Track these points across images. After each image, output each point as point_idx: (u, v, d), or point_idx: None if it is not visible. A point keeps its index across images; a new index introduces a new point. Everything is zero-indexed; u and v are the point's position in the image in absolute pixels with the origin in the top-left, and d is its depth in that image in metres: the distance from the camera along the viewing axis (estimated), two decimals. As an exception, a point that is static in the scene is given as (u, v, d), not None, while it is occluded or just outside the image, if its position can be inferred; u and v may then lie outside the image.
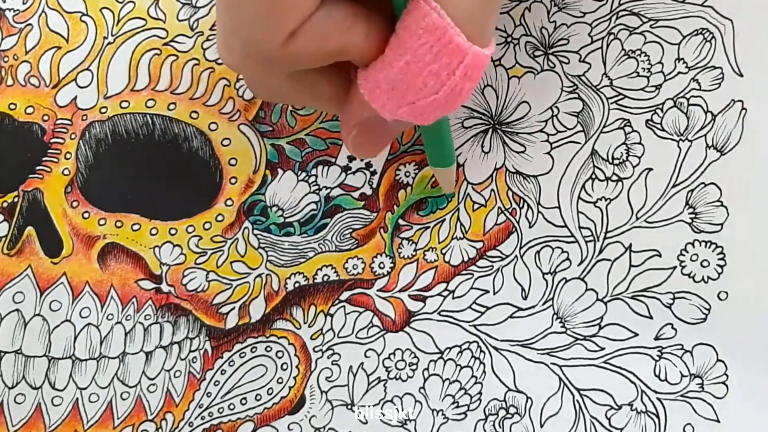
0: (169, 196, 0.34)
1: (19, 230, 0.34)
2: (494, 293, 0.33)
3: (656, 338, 0.32)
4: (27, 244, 0.34)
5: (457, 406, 0.33)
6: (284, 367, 0.33)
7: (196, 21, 0.34)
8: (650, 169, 0.33)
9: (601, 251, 0.33)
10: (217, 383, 0.33)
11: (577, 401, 0.32)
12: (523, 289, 0.33)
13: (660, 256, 0.33)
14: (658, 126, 0.33)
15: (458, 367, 0.33)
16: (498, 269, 0.33)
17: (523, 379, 0.33)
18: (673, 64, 0.33)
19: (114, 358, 0.33)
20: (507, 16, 0.33)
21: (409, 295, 0.33)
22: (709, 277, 0.32)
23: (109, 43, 0.34)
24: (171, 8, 0.34)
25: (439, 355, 0.33)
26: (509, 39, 0.33)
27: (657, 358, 0.32)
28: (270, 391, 0.33)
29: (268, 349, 0.33)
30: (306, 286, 0.34)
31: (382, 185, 0.34)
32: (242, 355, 0.33)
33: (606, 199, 0.33)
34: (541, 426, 0.32)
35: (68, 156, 0.34)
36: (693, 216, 0.32)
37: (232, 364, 0.33)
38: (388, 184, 0.34)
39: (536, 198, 0.33)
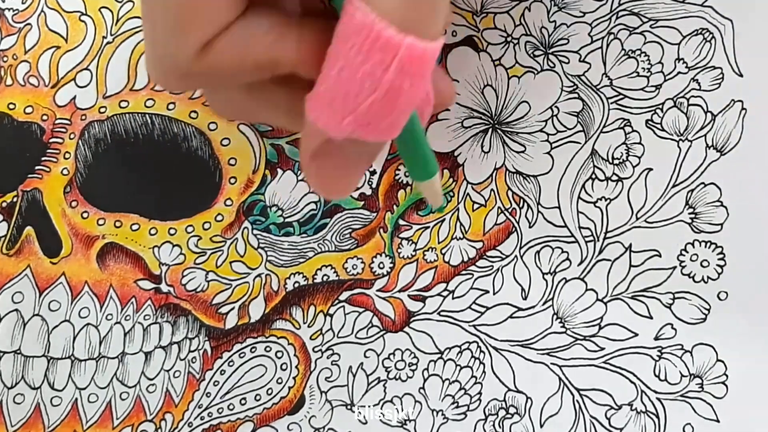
0: (168, 196, 0.34)
1: (18, 230, 0.34)
2: (494, 293, 0.33)
3: (656, 338, 0.32)
4: (26, 244, 0.33)
5: (457, 407, 0.33)
6: (284, 367, 0.33)
7: (196, 20, 0.34)
8: (650, 169, 0.33)
9: (601, 251, 0.33)
10: (216, 383, 0.33)
11: (577, 401, 0.32)
12: (523, 289, 0.33)
13: (660, 256, 0.33)
14: (658, 126, 0.33)
15: (458, 367, 0.33)
16: (498, 269, 0.33)
17: (523, 379, 0.33)
18: (673, 64, 0.33)
19: (113, 358, 0.33)
20: (507, 15, 0.33)
21: (408, 295, 0.33)
22: (709, 277, 0.32)
23: (108, 43, 0.34)
24: (170, 8, 0.34)
25: (439, 356, 0.33)
26: (509, 39, 0.33)
27: (657, 358, 0.32)
28: (269, 392, 0.33)
29: (268, 349, 0.33)
30: (305, 286, 0.34)
31: (382, 185, 0.34)
32: (242, 355, 0.33)
33: (606, 199, 0.33)
34: (541, 426, 0.32)
35: (67, 156, 0.34)
36: (693, 216, 0.32)
37: (231, 364, 0.33)
38: (388, 184, 0.34)
39: (536, 198, 0.33)
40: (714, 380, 0.32)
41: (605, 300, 0.33)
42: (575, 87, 0.33)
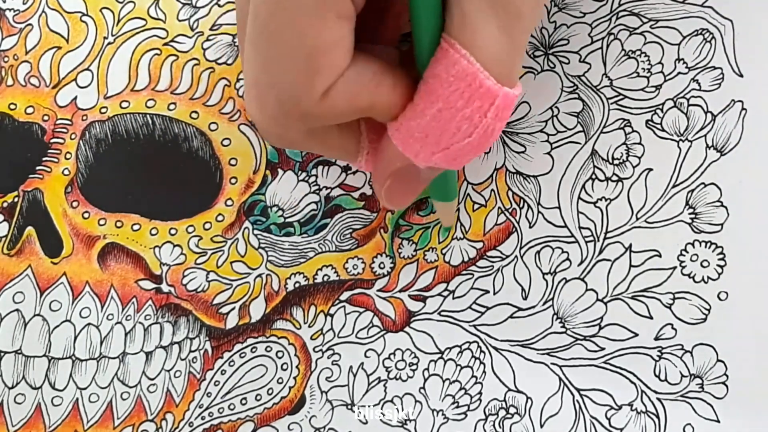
0: (169, 196, 0.34)
1: (19, 230, 0.34)
2: (494, 293, 0.33)
3: (656, 338, 0.32)
4: (27, 244, 0.34)
5: (457, 406, 0.33)
6: (284, 367, 0.33)
7: (196, 21, 0.34)
8: (650, 170, 0.33)
9: (601, 251, 0.33)
10: (217, 383, 0.33)
11: (577, 401, 0.32)
12: (523, 290, 0.33)
13: (660, 256, 0.33)
14: (658, 126, 0.33)
15: (458, 367, 0.33)
16: (498, 269, 0.33)
17: (523, 379, 0.33)
18: (673, 64, 0.33)
19: (114, 358, 0.33)
20: (507, 16, 0.33)
21: (409, 295, 0.33)
22: (709, 278, 0.32)
23: (109, 43, 0.34)
24: (171, 8, 0.34)
25: (439, 355, 0.33)
26: (509, 39, 0.33)
27: (657, 359, 0.32)
28: (270, 391, 0.33)
29: (268, 349, 0.33)
30: (306, 286, 0.34)
31: (383, 185, 0.34)
32: (242, 355, 0.33)
33: (606, 200, 0.33)
34: (541, 426, 0.32)
35: (68, 156, 0.34)
36: (693, 216, 0.32)
37: (232, 364, 0.33)
38: (389, 185, 0.34)
39: (536, 198, 0.33)
40: (714, 380, 0.32)
41: (605, 300, 0.33)
42: (575, 87, 0.33)
